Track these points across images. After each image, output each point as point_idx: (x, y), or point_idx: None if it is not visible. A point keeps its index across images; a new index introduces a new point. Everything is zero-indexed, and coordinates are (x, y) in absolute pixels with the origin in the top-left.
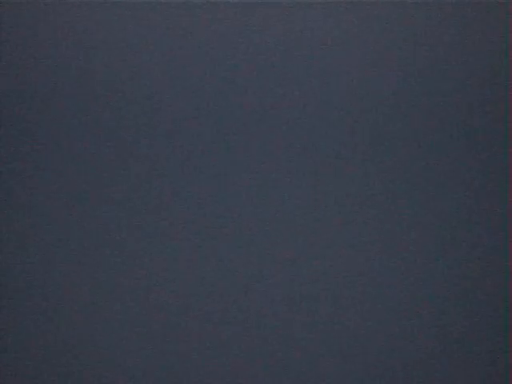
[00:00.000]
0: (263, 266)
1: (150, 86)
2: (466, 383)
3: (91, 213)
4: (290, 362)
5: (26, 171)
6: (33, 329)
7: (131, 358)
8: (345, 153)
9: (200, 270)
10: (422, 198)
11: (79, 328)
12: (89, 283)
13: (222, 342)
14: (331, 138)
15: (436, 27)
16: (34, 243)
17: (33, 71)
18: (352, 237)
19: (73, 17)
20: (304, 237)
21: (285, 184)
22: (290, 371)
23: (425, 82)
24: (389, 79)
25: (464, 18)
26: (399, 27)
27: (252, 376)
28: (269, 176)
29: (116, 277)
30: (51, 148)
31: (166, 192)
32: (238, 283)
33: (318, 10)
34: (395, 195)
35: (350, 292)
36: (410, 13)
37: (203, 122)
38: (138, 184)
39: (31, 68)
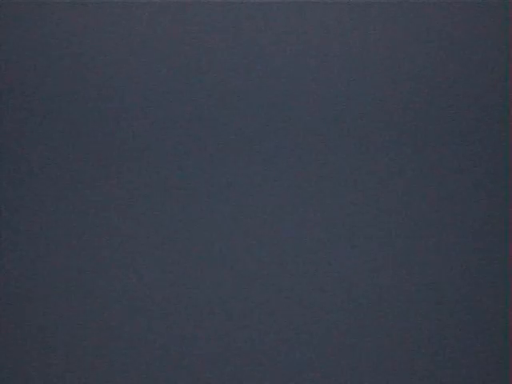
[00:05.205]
0: (263, 267)
1: (151, 85)
2: (465, 383)
3: (92, 213)
4: (290, 363)
5: (25, 171)
6: (33, 329)
7: (131, 359)
8: (344, 153)
9: (201, 271)
10: (422, 199)
11: (79, 329)
12: (87, 282)
13: (220, 342)
14: (331, 138)
15: (436, 27)
16: (33, 244)
17: (33, 71)
18: (351, 238)
19: (72, 17)
20: (303, 238)
21: (284, 184)
22: (290, 371)
23: (424, 81)
24: (388, 79)
25: (464, 18)
26: (399, 27)
27: (252, 377)
28: (266, 176)
29: (116, 277)
30: (50, 147)
31: (164, 191)
32: (238, 284)
33: (318, 10)
34: (395, 194)
35: (349, 292)
36: (409, 13)
37: (203, 122)
38: (138, 185)
39: (31, 68)
